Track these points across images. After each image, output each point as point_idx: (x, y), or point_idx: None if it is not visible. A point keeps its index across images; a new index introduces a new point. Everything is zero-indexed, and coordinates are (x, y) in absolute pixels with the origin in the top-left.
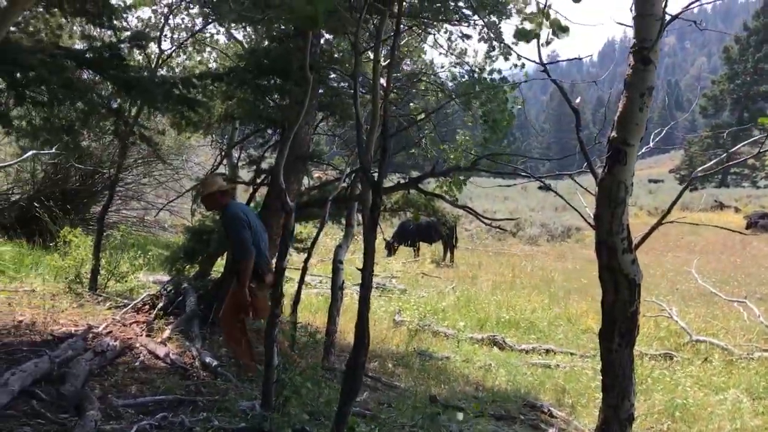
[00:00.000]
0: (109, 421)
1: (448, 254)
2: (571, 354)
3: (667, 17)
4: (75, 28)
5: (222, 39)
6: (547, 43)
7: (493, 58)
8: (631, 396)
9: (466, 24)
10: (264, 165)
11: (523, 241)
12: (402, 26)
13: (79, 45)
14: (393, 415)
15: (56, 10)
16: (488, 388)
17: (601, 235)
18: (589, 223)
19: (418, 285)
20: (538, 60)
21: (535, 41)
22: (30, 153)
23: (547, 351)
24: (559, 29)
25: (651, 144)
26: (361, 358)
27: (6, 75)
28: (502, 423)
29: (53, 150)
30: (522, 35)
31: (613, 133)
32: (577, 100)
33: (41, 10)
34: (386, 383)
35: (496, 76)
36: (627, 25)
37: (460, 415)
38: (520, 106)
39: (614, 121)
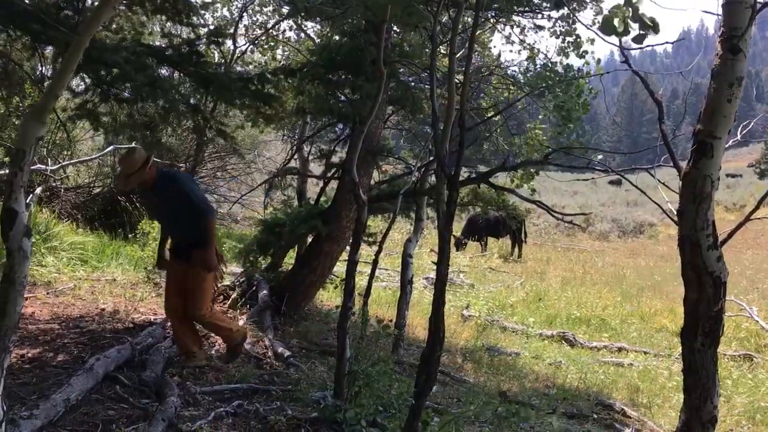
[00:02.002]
0: (188, 408)
1: (516, 249)
2: (645, 353)
3: (759, 4)
4: (156, 26)
5: (293, 35)
6: (640, 39)
7: (567, 52)
8: (715, 398)
9: (540, 15)
10: (334, 159)
11: (593, 236)
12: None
13: (159, 42)
14: (464, 409)
15: (138, 8)
16: (559, 386)
17: (684, 230)
18: (672, 219)
19: (486, 280)
20: (618, 51)
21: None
22: (111, 147)
23: (620, 349)
24: (651, 27)
25: (738, 136)
26: (437, 351)
27: (92, 72)
28: (573, 421)
29: (133, 144)
30: (610, 28)
31: (699, 126)
32: (660, 92)
33: (124, 8)
34: (455, 378)
35: (569, 69)
36: (714, 14)
37: (533, 413)
38: (593, 97)
39: (700, 112)
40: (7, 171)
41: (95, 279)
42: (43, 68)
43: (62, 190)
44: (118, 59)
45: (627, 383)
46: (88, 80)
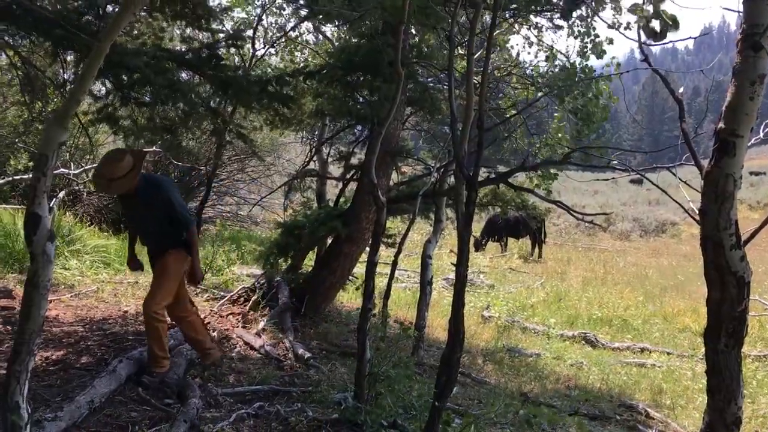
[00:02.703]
0: (210, 409)
1: (537, 249)
2: (668, 353)
3: None
4: (175, 31)
5: (311, 37)
6: (661, 36)
7: (587, 52)
8: (739, 399)
9: (557, 15)
10: (353, 161)
11: (614, 236)
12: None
13: (179, 47)
14: (485, 411)
15: (158, 13)
16: (580, 387)
17: (706, 230)
18: (693, 218)
19: (506, 280)
20: (639, 49)
21: (633, 30)
22: None
23: (642, 350)
24: (672, 25)
25: (761, 134)
26: (457, 353)
27: (112, 77)
28: (596, 423)
29: (154, 148)
30: (649, 31)
31: (721, 124)
32: (680, 90)
33: (144, 14)
34: (476, 379)
35: (589, 71)
36: (735, 11)
37: (557, 416)
38: (613, 102)
39: (722, 110)
40: (31, 176)
41: (118, 282)
42: (65, 74)
43: (85, 194)
44: (139, 63)
45: (650, 384)
46: (109, 85)
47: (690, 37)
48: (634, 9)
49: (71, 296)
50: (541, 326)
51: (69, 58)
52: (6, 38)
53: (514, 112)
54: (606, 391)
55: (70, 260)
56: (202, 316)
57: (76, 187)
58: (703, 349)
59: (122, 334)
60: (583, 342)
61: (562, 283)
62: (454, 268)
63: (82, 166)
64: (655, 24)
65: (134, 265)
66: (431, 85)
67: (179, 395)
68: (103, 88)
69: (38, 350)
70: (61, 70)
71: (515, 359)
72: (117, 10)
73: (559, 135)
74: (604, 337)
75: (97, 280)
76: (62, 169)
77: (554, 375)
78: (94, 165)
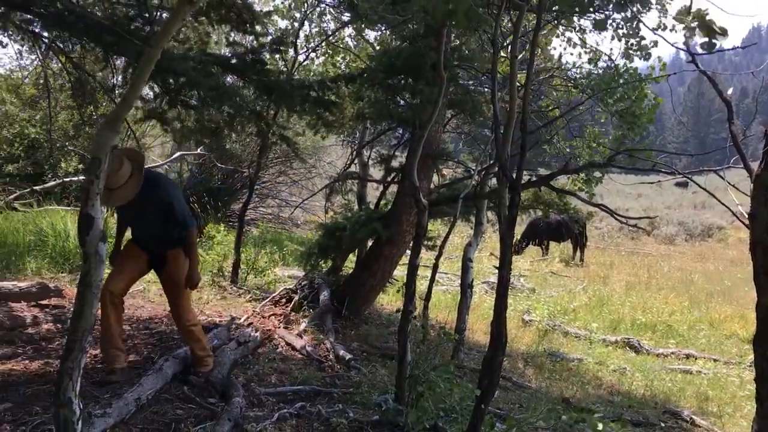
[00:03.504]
0: (253, 408)
1: (578, 253)
2: (714, 360)
3: None
4: (221, 36)
5: (351, 41)
6: (710, 48)
7: (631, 54)
8: None
9: (601, 15)
10: (394, 163)
11: (658, 240)
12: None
13: (224, 51)
14: (526, 415)
15: (204, 18)
16: (624, 393)
17: (756, 234)
18: (743, 222)
19: (547, 284)
20: (685, 52)
21: (678, 31)
22: (178, 154)
23: (687, 356)
24: (720, 33)
25: None
26: (499, 356)
27: (161, 81)
28: (640, 430)
29: (198, 150)
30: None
31: None
32: (729, 91)
33: (190, 19)
34: (517, 383)
35: (633, 73)
36: None
37: (600, 424)
38: (656, 105)
39: None
40: (83, 178)
41: None
42: (114, 78)
43: None
44: (186, 68)
45: (696, 391)
46: (157, 88)
47: (737, 47)
48: (680, 18)
49: None
50: (583, 331)
51: (118, 63)
52: (59, 44)
53: (557, 114)
54: (650, 398)
55: None
56: (243, 318)
57: None
58: (751, 356)
59: (168, 333)
60: (627, 347)
61: (605, 287)
62: (494, 272)
63: None
64: (700, 35)
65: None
66: (472, 87)
67: (223, 394)
68: (151, 93)
69: (89, 348)
70: (111, 75)
71: (556, 364)
72: (167, 16)
73: (599, 134)
74: (648, 342)
75: (143, 280)
76: None
77: (596, 380)
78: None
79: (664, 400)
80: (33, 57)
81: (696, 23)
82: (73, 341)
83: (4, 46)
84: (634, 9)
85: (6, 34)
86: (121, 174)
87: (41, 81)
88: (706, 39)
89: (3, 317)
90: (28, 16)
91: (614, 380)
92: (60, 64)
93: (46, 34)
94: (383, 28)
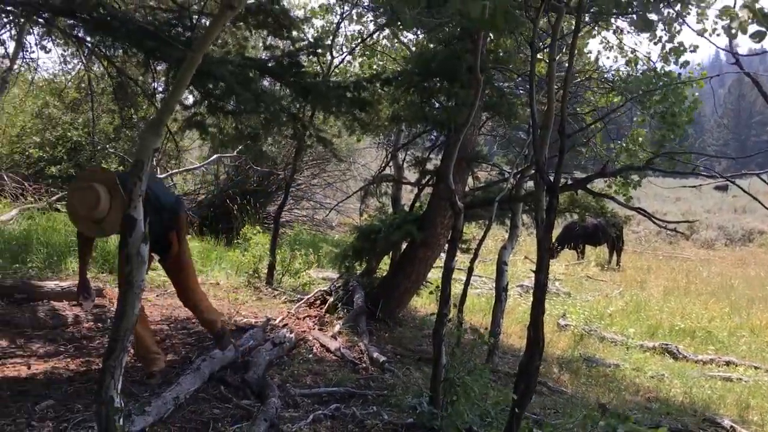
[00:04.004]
0: (288, 409)
1: (615, 257)
2: (756, 367)
3: None
4: (258, 40)
5: (388, 43)
6: (761, 37)
7: (668, 58)
8: None
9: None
10: (429, 166)
11: (697, 244)
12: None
13: (261, 55)
14: (563, 421)
15: (242, 23)
16: (662, 400)
17: None
18: None
19: (582, 288)
20: (728, 53)
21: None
22: (215, 156)
23: (728, 363)
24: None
25: None
26: (536, 361)
27: (200, 86)
28: None
29: (234, 153)
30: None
31: None
32: None
33: (229, 24)
34: (552, 388)
35: (671, 74)
36: None
37: (638, 427)
38: (695, 109)
39: None
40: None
41: (200, 282)
42: (155, 83)
43: None
44: (224, 72)
45: (736, 399)
46: (196, 93)
47: None
48: (726, 9)
49: (157, 296)
50: (620, 336)
51: (159, 68)
52: (102, 48)
53: (594, 117)
54: (689, 405)
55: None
56: (278, 319)
57: None
58: None
59: (204, 333)
60: (665, 353)
61: (642, 292)
62: (528, 275)
63: (168, 171)
64: (752, 28)
65: (86, 293)
66: (508, 89)
67: (259, 394)
68: (191, 97)
69: (130, 347)
70: (152, 80)
71: (592, 369)
72: (209, 21)
73: (639, 139)
74: (687, 348)
75: None
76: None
77: (633, 387)
78: (180, 170)
79: (703, 407)
80: (76, 61)
81: (745, 11)
82: (115, 340)
83: (48, 51)
84: (676, 9)
85: (50, 39)
86: (102, 205)
87: (83, 85)
88: (756, 28)
89: (45, 316)
90: (72, 21)
91: (652, 387)
92: (102, 69)
93: (89, 38)
94: (419, 31)
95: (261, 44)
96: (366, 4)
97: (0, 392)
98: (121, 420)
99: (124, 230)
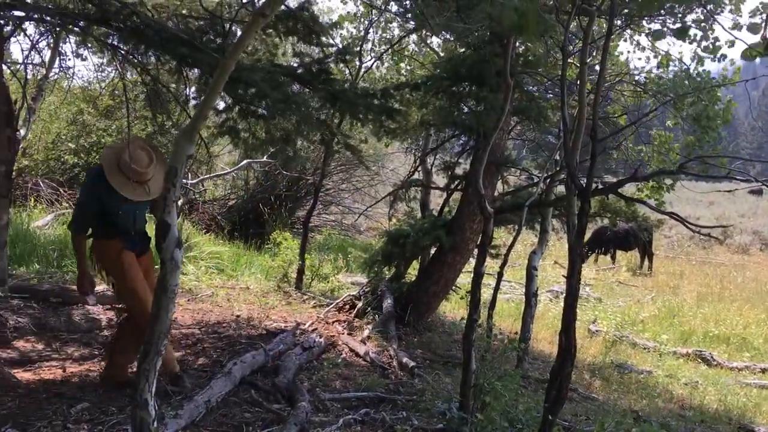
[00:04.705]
0: (317, 413)
1: (647, 262)
2: None
3: None
4: (288, 47)
5: (415, 48)
6: None
7: (702, 58)
8: None
9: (671, 19)
10: (458, 171)
11: (731, 249)
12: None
13: (291, 61)
14: (594, 428)
15: (272, 30)
16: (695, 407)
17: None
18: None
19: (613, 294)
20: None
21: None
22: (245, 162)
23: (763, 370)
24: None
25: None
26: (568, 367)
27: (232, 92)
28: None
29: (265, 158)
30: None
31: None
32: None
33: (259, 31)
34: (582, 394)
35: (705, 76)
36: None
37: None
38: (733, 106)
39: None
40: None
41: (230, 287)
42: (187, 89)
43: (200, 203)
44: (255, 78)
45: None
46: (228, 99)
47: None
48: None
49: (188, 300)
50: (652, 342)
51: (192, 74)
52: (136, 56)
53: (626, 121)
54: (724, 413)
55: (187, 266)
56: (308, 324)
57: (193, 196)
58: None
59: (235, 337)
60: (698, 360)
61: (675, 297)
62: (558, 280)
63: (198, 176)
64: None
65: (90, 286)
66: (536, 93)
67: (289, 399)
68: (223, 103)
69: (164, 351)
70: (184, 86)
71: (624, 376)
72: (241, 28)
73: (666, 144)
74: (721, 355)
75: (212, 285)
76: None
77: (667, 394)
78: (210, 175)
79: (738, 416)
80: (110, 69)
81: None
82: (150, 344)
83: (84, 60)
84: (708, 8)
85: (86, 48)
86: (153, 162)
87: (117, 92)
88: None
89: (80, 320)
90: (107, 30)
91: (685, 394)
92: (136, 76)
93: (123, 46)
94: (447, 35)
95: (290, 50)
96: (394, 10)
97: (36, 395)
98: (155, 423)
99: (157, 234)
